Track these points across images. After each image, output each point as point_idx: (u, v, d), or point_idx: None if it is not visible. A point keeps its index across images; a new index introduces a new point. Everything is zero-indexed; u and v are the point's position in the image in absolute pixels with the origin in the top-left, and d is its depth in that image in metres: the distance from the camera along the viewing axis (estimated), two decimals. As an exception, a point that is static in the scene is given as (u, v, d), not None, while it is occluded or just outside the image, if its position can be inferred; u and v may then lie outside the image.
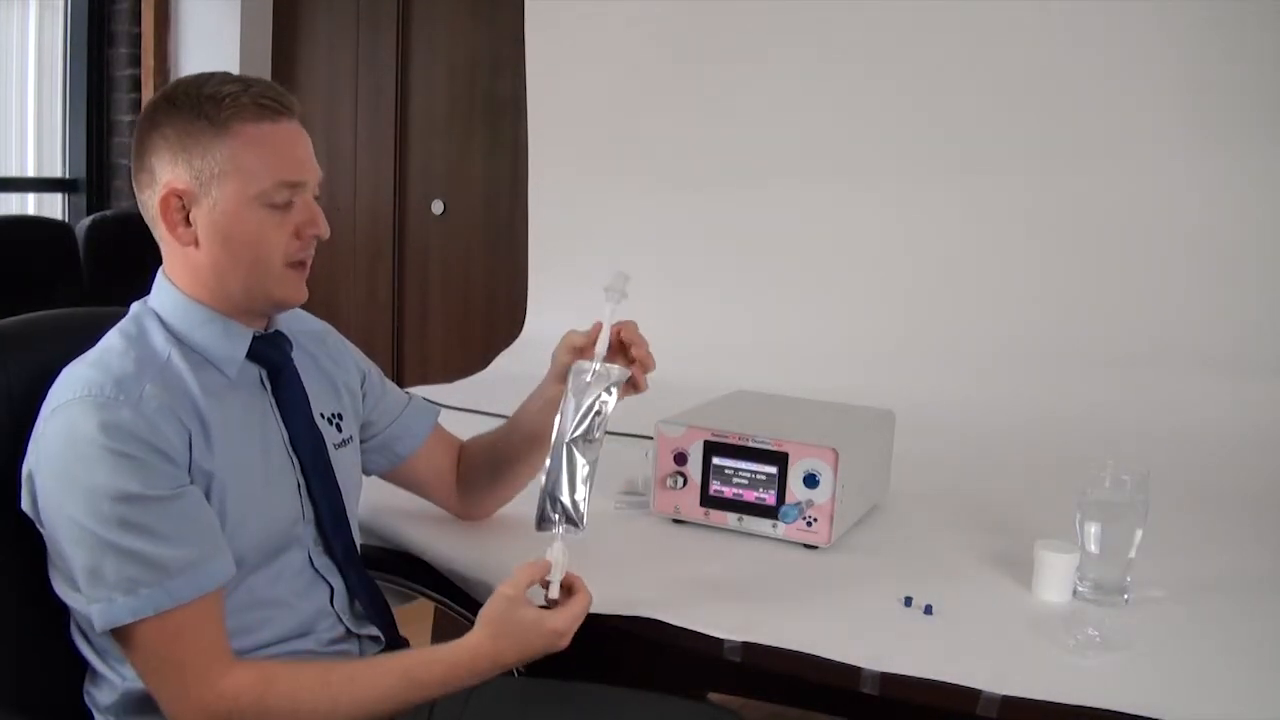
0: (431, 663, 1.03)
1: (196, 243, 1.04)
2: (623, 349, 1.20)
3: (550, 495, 1.09)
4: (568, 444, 1.09)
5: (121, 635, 0.95)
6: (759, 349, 2.40)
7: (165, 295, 1.07)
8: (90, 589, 0.94)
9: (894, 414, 1.60)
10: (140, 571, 0.93)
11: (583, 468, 1.09)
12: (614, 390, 1.12)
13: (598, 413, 1.10)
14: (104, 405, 0.95)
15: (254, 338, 1.09)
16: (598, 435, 1.10)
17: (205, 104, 1.01)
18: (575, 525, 1.09)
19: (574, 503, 1.08)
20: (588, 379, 1.13)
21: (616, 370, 1.14)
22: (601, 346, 1.16)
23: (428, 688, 1.02)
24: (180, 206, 1.03)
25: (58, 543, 0.96)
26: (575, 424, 1.10)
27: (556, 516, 1.09)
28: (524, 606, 1.04)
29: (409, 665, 1.03)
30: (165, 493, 0.95)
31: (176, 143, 1.01)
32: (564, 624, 1.05)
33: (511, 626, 1.03)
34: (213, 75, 1.04)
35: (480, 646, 1.03)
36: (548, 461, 1.10)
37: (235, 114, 1.01)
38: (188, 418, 1.00)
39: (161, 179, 1.02)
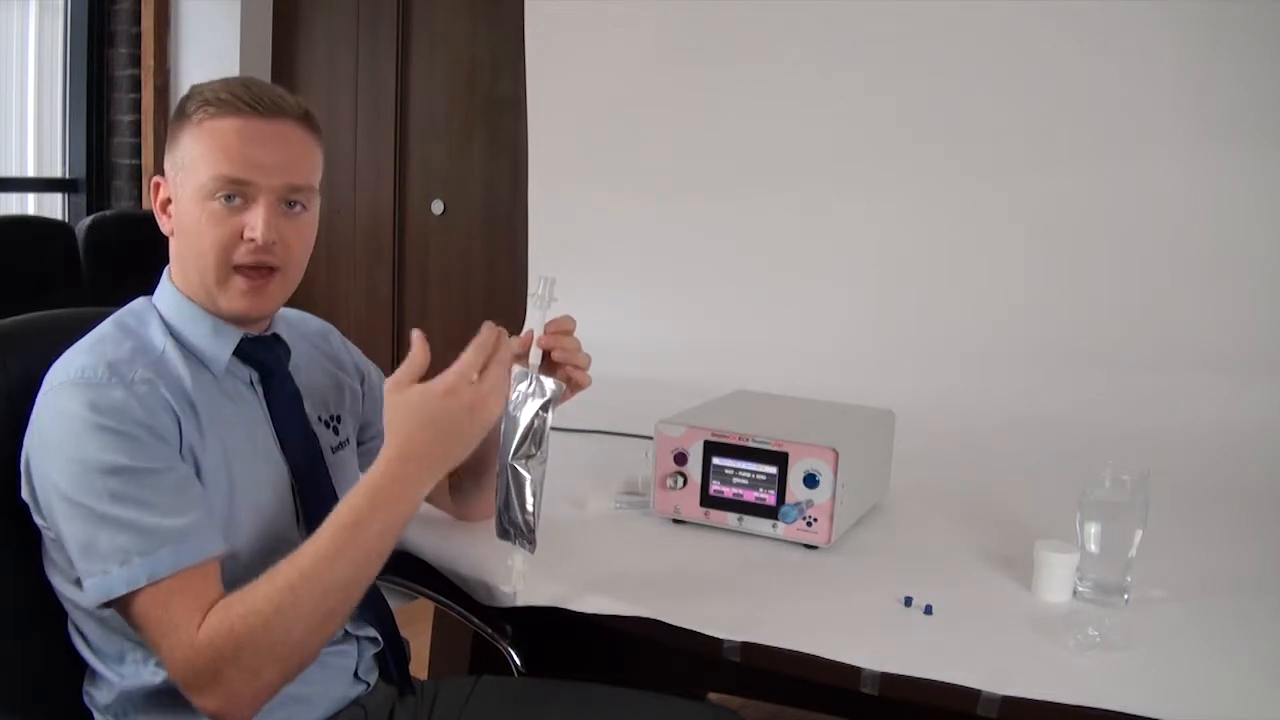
0: (352, 496, 0.97)
1: (173, 232, 1.09)
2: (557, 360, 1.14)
3: (503, 512, 1.09)
4: (510, 463, 1.08)
5: (119, 605, 0.95)
6: (759, 349, 2.40)
7: (164, 291, 1.10)
8: (85, 563, 0.94)
9: (894, 414, 1.60)
10: (132, 541, 0.92)
11: (529, 484, 1.07)
12: (550, 407, 1.09)
13: (537, 429, 1.08)
14: (96, 386, 0.96)
15: (247, 339, 1.10)
16: (539, 451, 1.08)
17: (188, 100, 1.06)
18: (529, 543, 1.09)
19: (524, 520, 1.08)
20: (521, 395, 1.08)
21: (551, 385, 1.09)
22: (535, 357, 1.11)
23: (363, 524, 0.95)
24: (165, 196, 1.08)
25: (54, 523, 0.96)
26: (516, 443, 1.08)
27: (512, 531, 1.09)
28: (406, 389, 0.98)
29: (336, 513, 0.97)
30: (155, 465, 0.95)
31: (168, 136, 1.08)
32: (450, 378, 0.98)
33: (402, 412, 0.97)
34: (224, 79, 1.08)
35: (388, 451, 0.97)
36: (497, 477, 1.09)
37: (201, 107, 1.04)
38: (180, 405, 1.00)
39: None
